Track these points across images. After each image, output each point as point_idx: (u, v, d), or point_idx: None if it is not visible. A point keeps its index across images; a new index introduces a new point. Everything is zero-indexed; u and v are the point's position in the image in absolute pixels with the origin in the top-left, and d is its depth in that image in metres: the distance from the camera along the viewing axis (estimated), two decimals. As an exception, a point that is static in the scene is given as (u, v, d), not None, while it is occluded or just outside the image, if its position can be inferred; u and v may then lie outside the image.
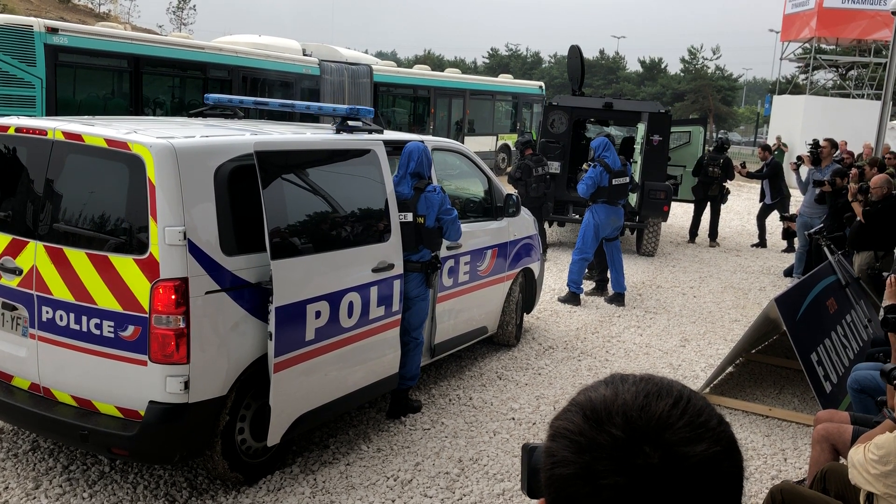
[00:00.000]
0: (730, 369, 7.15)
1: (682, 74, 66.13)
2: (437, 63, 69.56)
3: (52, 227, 4.26)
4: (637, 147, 12.35)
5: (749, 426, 5.95)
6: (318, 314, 4.56)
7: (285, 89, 17.97)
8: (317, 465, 4.84)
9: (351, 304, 4.84)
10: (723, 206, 14.69)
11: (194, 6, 53.91)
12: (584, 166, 9.38)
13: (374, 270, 5.05)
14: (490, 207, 7.02)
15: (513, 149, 25.76)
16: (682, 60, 65.54)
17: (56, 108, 13.17)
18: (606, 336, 8.17)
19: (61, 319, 4.18)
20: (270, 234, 4.19)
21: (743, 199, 21.68)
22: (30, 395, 4.37)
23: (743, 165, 14.60)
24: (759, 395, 6.66)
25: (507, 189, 7.62)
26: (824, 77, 38.92)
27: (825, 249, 8.09)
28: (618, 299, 9.51)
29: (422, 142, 5.85)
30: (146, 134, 4.12)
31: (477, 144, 22.95)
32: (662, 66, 71.12)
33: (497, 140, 25.75)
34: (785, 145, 24.00)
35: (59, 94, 13.37)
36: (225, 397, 4.21)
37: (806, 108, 29.80)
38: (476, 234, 6.64)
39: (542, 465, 0.93)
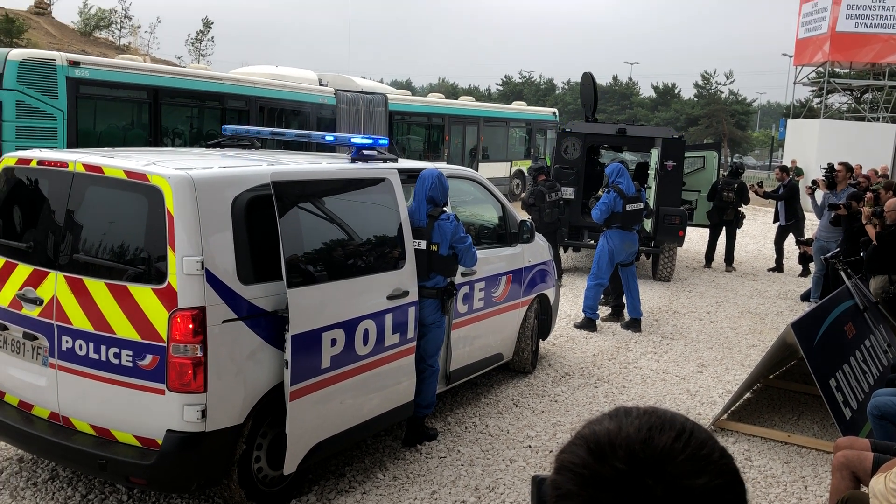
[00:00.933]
0: (748, 395, 7.09)
1: (695, 99, 66.22)
2: (452, 91, 70.08)
3: (73, 258, 4.33)
4: (651, 172, 12.37)
5: (768, 453, 5.89)
6: (333, 342, 4.59)
7: (302, 119, 18.16)
8: (333, 493, 4.84)
9: (366, 332, 4.87)
10: (738, 231, 14.64)
11: (212, 38, 54.67)
12: (599, 192, 9.41)
13: (389, 298, 5.08)
14: (504, 234, 7.04)
15: (527, 175, 25.86)
16: (696, 85, 65.69)
17: (77, 139, 13.37)
18: (623, 362, 8.14)
19: (81, 349, 4.23)
20: (287, 263, 4.23)
21: (758, 224, 21.60)
22: (49, 424, 4.42)
23: (760, 185, 14.58)
24: (777, 421, 6.60)
25: (521, 215, 7.65)
26: (839, 101, 38.90)
27: (842, 274, 8.05)
28: (634, 325, 9.48)
29: (437, 169, 5.90)
30: (165, 165, 4.19)
31: (491, 171, 23.05)
32: (676, 91, 71.31)
33: (511, 166, 25.86)
34: (800, 170, 23.92)
35: (80, 125, 13.58)
36: (242, 425, 4.23)
37: (821, 132, 29.74)
38: (491, 260, 6.66)
39: (548, 498, 0.95)
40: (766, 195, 14.59)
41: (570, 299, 10.64)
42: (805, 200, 14.54)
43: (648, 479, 0.88)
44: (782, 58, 49.61)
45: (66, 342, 4.28)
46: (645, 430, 0.93)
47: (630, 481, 0.89)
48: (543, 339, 7.94)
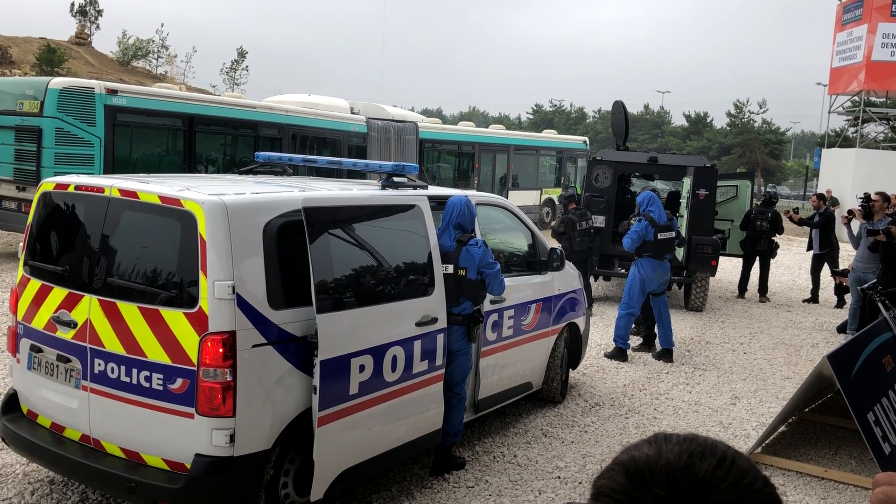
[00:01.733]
0: (782, 428, 6.94)
1: (728, 128, 65.84)
2: (482, 119, 70.46)
3: (107, 282, 4.38)
4: (683, 201, 12.28)
5: (804, 488, 5.75)
6: (362, 368, 4.58)
7: (333, 146, 18.36)
8: (359, 521, 4.80)
9: (395, 358, 4.85)
10: (772, 261, 14.45)
11: (246, 67, 55.70)
12: (630, 220, 9.34)
13: (418, 324, 5.07)
14: (534, 261, 7.02)
15: (557, 203, 25.81)
16: (728, 114, 65.33)
17: (113, 165, 13.63)
18: (654, 393, 8.02)
19: (112, 372, 4.27)
20: (317, 289, 4.25)
21: (793, 254, 21.31)
22: (80, 447, 4.45)
23: (796, 211, 14.41)
24: (813, 455, 6.44)
25: (552, 243, 7.62)
26: (874, 130, 38.36)
27: (879, 305, 7.88)
28: (666, 355, 9.35)
29: (466, 196, 5.91)
30: (198, 191, 4.25)
31: (521, 199, 23.03)
32: (708, 120, 70.98)
33: (541, 194, 25.83)
34: (835, 199, 23.59)
35: (116, 152, 13.85)
36: (269, 451, 4.23)
37: (856, 162, 29.37)
38: (520, 288, 6.63)
39: None
40: (801, 222, 14.42)
41: (601, 329, 10.54)
42: (840, 230, 14.33)
43: None
44: (816, 87, 49.25)
45: (99, 365, 4.33)
46: (685, 457, 0.91)
47: None
48: (573, 369, 7.86)
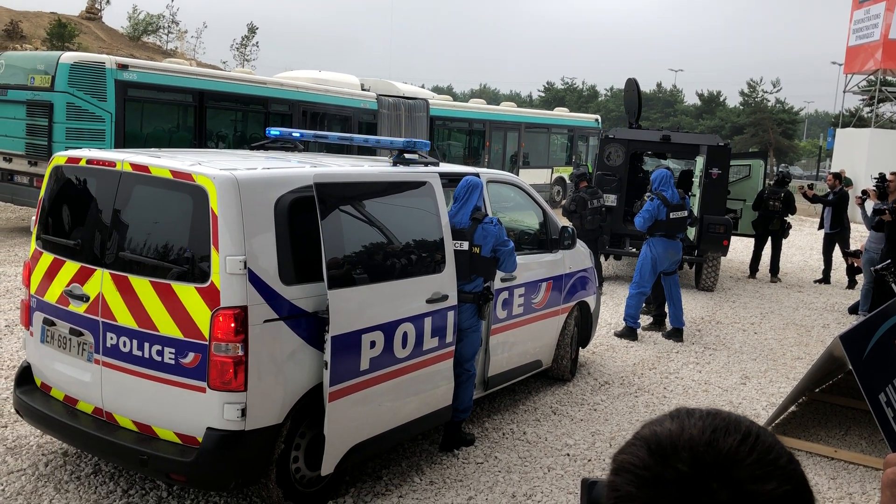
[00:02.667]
0: (792, 408, 6.93)
1: (741, 108, 65.25)
2: (493, 97, 70.08)
3: (118, 256, 4.39)
4: (695, 180, 12.21)
5: (813, 468, 5.75)
6: (372, 344, 4.59)
7: (344, 123, 18.30)
8: (370, 496, 4.84)
9: (405, 335, 4.86)
10: (784, 241, 14.37)
11: (256, 43, 55.46)
12: (644, 198, 9.28)
13: (429, 301, 5.06)
14: (545, 240, 6.99)
15: (568, 182, 25.71)
16: (742, 93, 64.73)
17: (124, 141, 13.64)
18: (664, 372, 8.02)
19: (125, 345, 4.29)
20: (328, 265, 4.25)
21: (805, 234, 21.19)
22: (93, 419, 4.49)
23: (811, 187, 14.33)
24: (823, 435, 6.44)
25: (562, 222, 7.59)
26: (890, 110, 37.98)
27: (892, 286, 7.83)
28: (676, 335, 9.33)
29: (477, 175, 5.88)
30: (210, 166, 4.23)
31: (531, 177, 22.93)
32: (721, 99, 70.37)
33: (552, 173, 25.72)
34: (849, 180, 23.40)
35: (127, 127, 13.85)
36: (280, 425, 4.25)
37: (871, 142, 29.08)
38: (531, 266, 6.61)
39: (605, 499, 0.93)
40: (814, 198, 14.35)
41: (611, 308, 10.53)
42: (854, 211, 14.23)
43: (713, 482, 0.85)
44: (831, 66, 48.60)
45: (111, 339, 4.35)
46: (709, 432, 0.90)
47: (693, 484, 0.85)
48: (583, 347, 7.85)
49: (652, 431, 0.93)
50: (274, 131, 6.41)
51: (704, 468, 0.86)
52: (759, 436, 0.90)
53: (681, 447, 0.88)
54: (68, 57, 13.37)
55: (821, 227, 14.34)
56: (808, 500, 0.88)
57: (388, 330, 4.71)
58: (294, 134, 6.43)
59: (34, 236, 4.94)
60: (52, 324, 4.68)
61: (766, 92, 63.59)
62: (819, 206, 14.70)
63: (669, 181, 9.23)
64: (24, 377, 4.92)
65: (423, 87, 28.63)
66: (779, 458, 0.88)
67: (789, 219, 14.03)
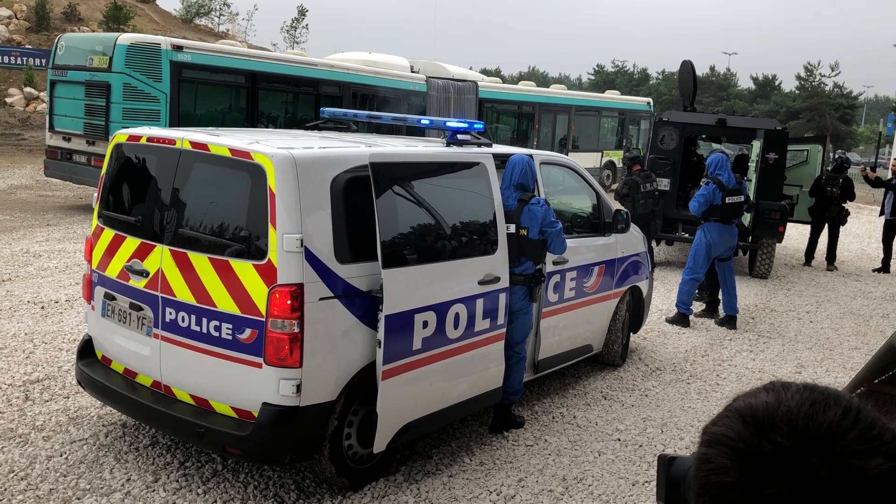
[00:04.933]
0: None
1: (797, 92, 63.58)
2: (542, 80, 69.44)
3: (178, 232, 4.46)
4: (752, 165, 11.94)
5: (873, 460, 5.60)
6: (425, 324, 4.59)
7: (393, 105, 18.32)
8: (420, 475, 4.86)
9: (457, 316, 4.85)
10: (841, 228, 14.00)
11: (306, 25, 55.68)
12: (703, 181, 9.10)
13: (481, 283, 5.05)
14: (598, 223, 6.91)
15: (618, 165, 25.39)
16: (798, 77, 63.03)
17: (178, 121, 13.86)
18: (717, 359, 7.89)
19: (183, 321, 4.36)
20: (382, 244, 4.25)
21: (863, 222, 20.60)
22: (152, 392, 4.58)
23: (873, 169, 13.93)
24: (883, 428, 6.27)
25: (616, 205, 7.49)
26: (955, 94, 36.60)
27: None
28: (729, 322, 9.17)
29: (529, 155, 5.83)
30: (268, 144, 4.26)
31: (581, 161, 22.60)
32: (776, 83, 68.67)
33: (602, 156, 25.43)
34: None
35: (181, 108, 14.07)
36: (334, 402, 4.29)
37: (935, 127, 28.11)
38: (583, 249, 6.54)
39: (696, 473, 0.90)
40: (877, 181, 13.95)
41: (662, 293, 10.39)
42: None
43: (813, 456, 0.82)
44: (893, 49, 47.02)
45: (170, 314, 4.43)
46: (808, 406, 0.86)
47: (792, 458, 0.82)
48: (634, 333, 7.76)
49: (747, 404, 0.90)
50: (328, 111, 6.44)
51: (805, 442, 0.83)
52: (860, 410, 0.86)
53: (779, 420, 0.86)
54: (125, 38, 13.61)
55: (881, 213, 13.93)
56: None
57: (440, 310, 4.71)
58: (348, 114, 6.44)
59: (96, 213, 5.04)
60: (113, 298, 4.79)
61: (824, 76, 61.87)
62: (879, 193, 14.27)
63: (726, 165, 9.05)
64: (86, 350, 5.05)
65: (471, 69, 28.42)
66: (883, 434, 0.85)
67: (847, 205, 13.66)
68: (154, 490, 4.44)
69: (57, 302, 7.91)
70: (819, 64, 62.65)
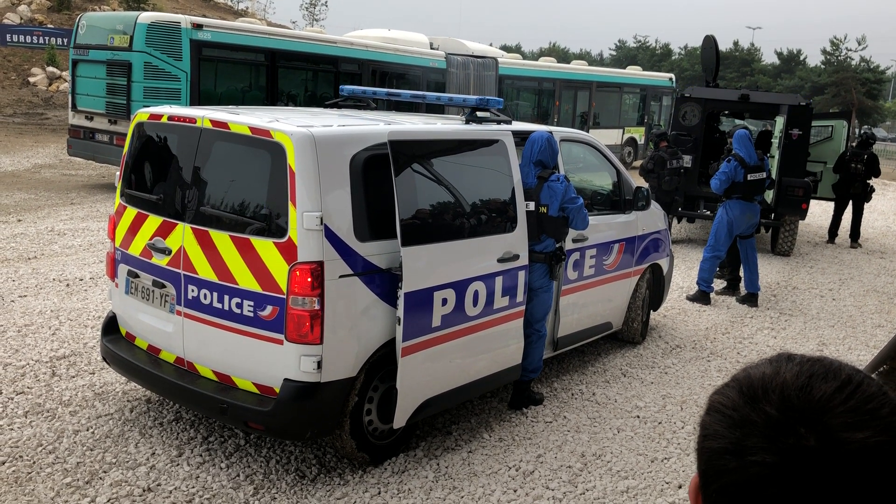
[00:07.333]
0: (873, 376, 6.72)
1: (822, 67, 62.49)
2: (563, 55, 68.81)
3: (199, 210, 4.50)
4: (775, 141, 11.80)
5: None
6: (444, 301, 4.61)
7: (413, 82, 18.26)
8: (440, 450, 4.91)
9: (476, 293, 4.87)
10: (866, 205, 13.83)
11: (326, 2, 55.53)
12: (724, 158, 9.01)
13: (500, 260, 5.05)
14: (618, 200, 6.88)
15: (640, 142, 25.17)
16: (823, 52, 61.93)
17: (199, 100, 13.91)
18: (738, 337, 7.86)
19: (205, 298, 4.41)
20: (402, 222, 4.27)
21: (888, 199, 20.34)
22: (175, 368, 4.65)
23: None
24: (905, 406, 6.23)
25: (637, 182, 7.44)
26: None
27: None
28: (750, 300, 9.12)
29: (549, 132, 5.80)
30: (287, 123, 4.28)
31: (602, 137, 22.44)
32: (801, 58, 67.54)
33: (623, 133, 25.21)
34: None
35: (201, 86, 14.11)
36: (354, 378, 4.33)
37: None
38: (602, 227, 6.52)
39: (697, 437, 0.94)
40: None
41: (683, 271, 10.34)
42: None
43: (801, 426, 0.83)
44: (923, 21, 45.99)
45: (192, 291, 4.48)
46: (804, 377, 0.88)
47: (780, 428, 0.84)
48: (654, 311, 7.75)
49: (746, 374, 0.93)
50: (347, 89, 6.43)
51: (794, 413, 0.85)
52: (860, 384, 0.87)
53: (772, 390, 0.88)
54: (146, 17, 13.65)
55: None
56: None
57: (459, 288, 4.73)
58: (367, 92, 6.44)
59: (118, 191, 5.09)
60: (136, 276, 4.85)
61: (851, 50, 60.71)
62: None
63: (748, 141, 8.95)
64: (110, 327, 5.13)
65: (491, 45, 28.20)
66: (880, 409, 0.85)
67: (872, 182, 13.48)
68: (178, 464, 4.52)
69: (81, 280, 8.02)
70: (846, 38, 61.49)
